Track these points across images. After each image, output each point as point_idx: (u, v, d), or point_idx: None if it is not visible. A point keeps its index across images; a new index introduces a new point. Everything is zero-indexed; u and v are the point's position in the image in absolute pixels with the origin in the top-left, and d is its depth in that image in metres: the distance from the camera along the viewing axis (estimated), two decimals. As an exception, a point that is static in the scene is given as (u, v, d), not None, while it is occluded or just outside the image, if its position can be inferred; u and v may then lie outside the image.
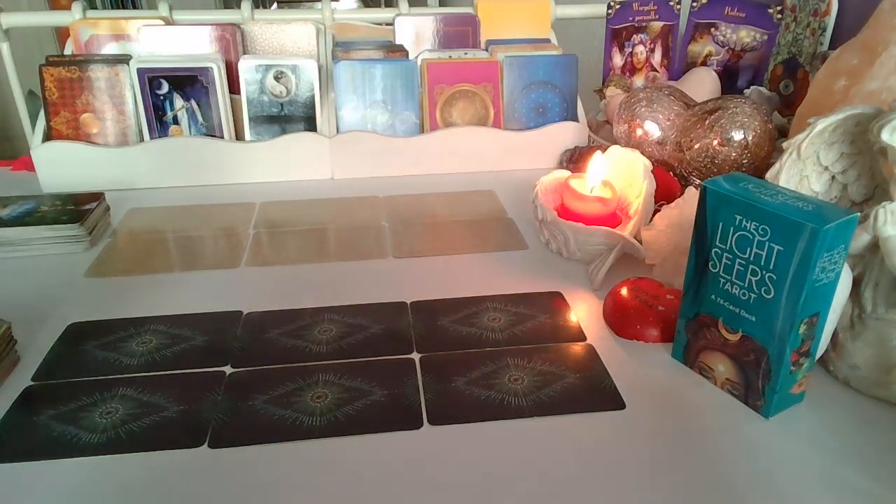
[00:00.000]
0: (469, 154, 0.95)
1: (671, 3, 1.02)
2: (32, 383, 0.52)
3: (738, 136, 0.73)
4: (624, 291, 0.59)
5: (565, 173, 0.74)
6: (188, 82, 0.88)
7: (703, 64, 1.01)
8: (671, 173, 0.78)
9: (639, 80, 1.06)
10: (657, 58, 1.05)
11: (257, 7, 1.03)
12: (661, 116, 0.80)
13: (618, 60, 1.08)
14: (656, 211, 0.68)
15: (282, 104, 0.91)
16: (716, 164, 0.75)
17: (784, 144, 0.55)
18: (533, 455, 0.45)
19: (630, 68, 1.07)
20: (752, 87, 0.92)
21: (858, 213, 0.43)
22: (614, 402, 0.50)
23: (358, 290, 0.65)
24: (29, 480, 0.43)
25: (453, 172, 0.95)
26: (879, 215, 0.47)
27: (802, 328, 0.45)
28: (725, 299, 0.49)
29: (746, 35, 0.97)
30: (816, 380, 0.51)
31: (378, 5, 3.25)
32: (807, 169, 0.55)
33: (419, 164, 0.95)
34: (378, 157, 0.94)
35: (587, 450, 0.45)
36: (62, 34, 2.53)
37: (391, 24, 1.03)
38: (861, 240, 0.49)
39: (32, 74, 0.91)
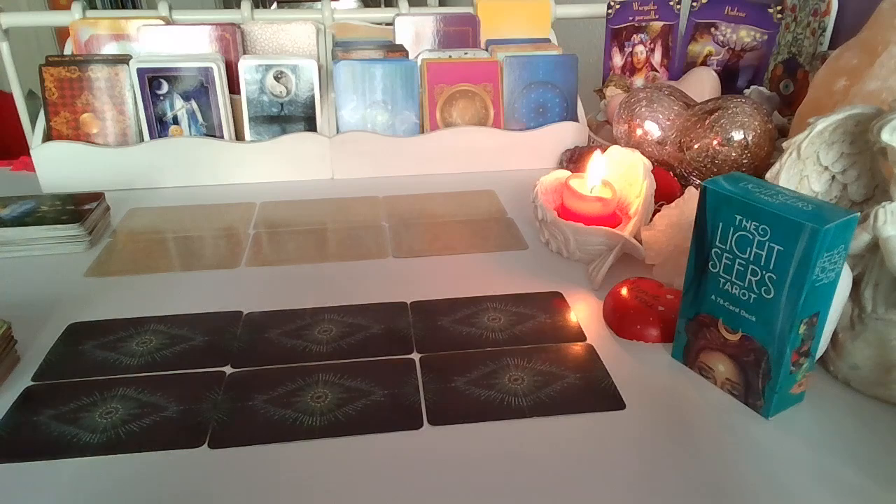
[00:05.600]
0: (469, 154, 0.95)
1: (671, 3, 1.02)
2: (32, 383, 0.52)
3: (738, 136, 0.73)
4: (624, 291, 0.59)
5: (565, 173, 0.74)
6: (188, 82, 0.88)
7: (703, 64, 1.01)
8: (671, 173, 0.78)
9: (639, 80, 1.06)
10: (657, 58, 1.05)
11: (257, 7, 1.03)
12: (661, 116, 0.80)
13: (618, 60, 1.07)
14: (656, 211, 0.68)
15: (282, 104, 0.91)
16: (716, 164, 0.75)
17: (784, 144, 0.55)
18: (533, 455, 0.45)
19: (630, 68, 1.07)
20: (752, 87, 0.92)
21: (858, 213, 0.43)
22: (614, 402, 0.50)
23: (358, 290, 0.65)
24: (29, 480, 0.43)
25: (453, 172, 0.95)
26: (879, 215, 0.47)
27: (802, 328, 0.45)
28: (725, 299, 0.49)
29: (746, 35, 0.97)
30: (816, 380, 0.51)
31: (378, 5, 3.25)
32: (807, 169, 0.55)
33: (419, 164, 0.95)
34: (378, 157, 0.94)
35: (587, 450, 0.45)
36: (62, 34, 2.53)
37: (391, 24, 1.03)
38: (861, 240, 0.49)
39: (32, 74, 0.91)
